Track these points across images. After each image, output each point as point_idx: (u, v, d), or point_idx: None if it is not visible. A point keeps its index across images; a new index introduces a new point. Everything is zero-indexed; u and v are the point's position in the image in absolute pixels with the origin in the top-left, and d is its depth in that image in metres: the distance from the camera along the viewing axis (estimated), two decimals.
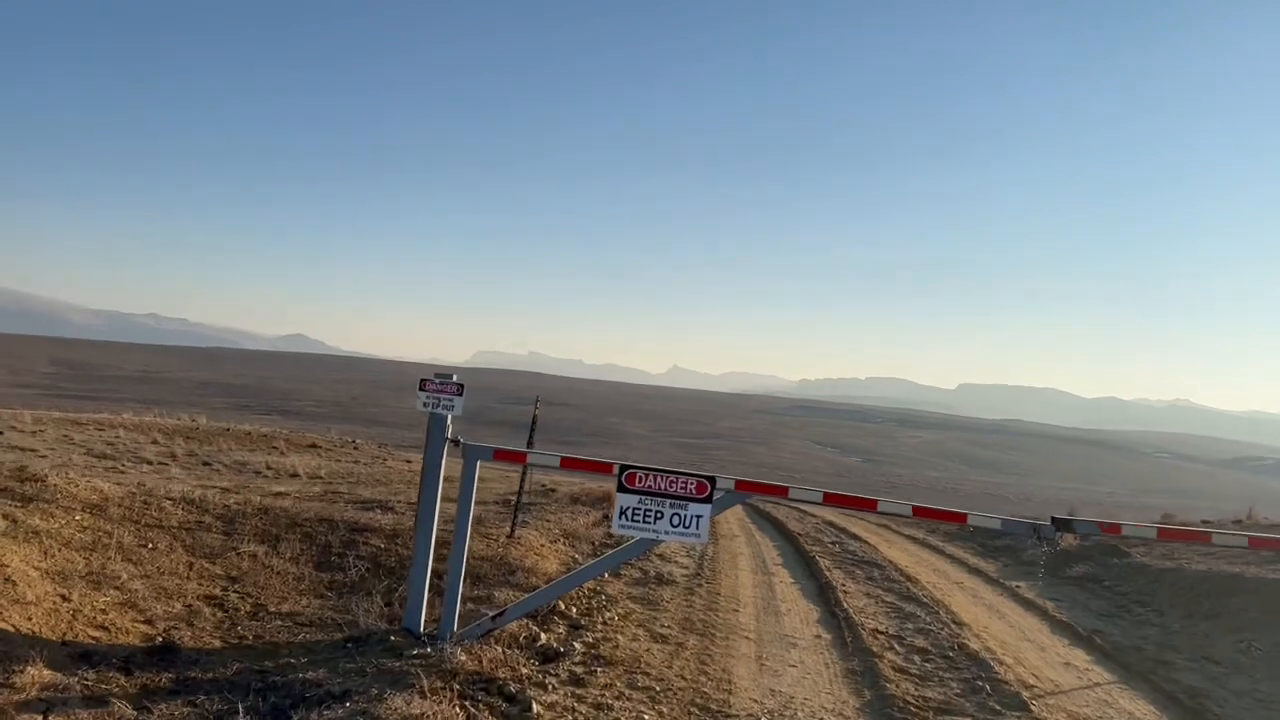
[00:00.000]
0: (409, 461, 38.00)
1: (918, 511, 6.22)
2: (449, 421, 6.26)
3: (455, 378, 6.27)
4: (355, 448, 42.62)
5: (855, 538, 15.68)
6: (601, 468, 6.31)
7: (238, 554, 7.33)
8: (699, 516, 6.18)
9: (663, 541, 6.27)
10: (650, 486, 6.17)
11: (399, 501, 16.04)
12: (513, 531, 9.62)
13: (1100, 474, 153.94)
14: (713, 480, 6.12)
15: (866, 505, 6.23)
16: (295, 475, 25.82)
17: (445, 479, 6.31)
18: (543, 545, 9.70)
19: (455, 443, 6.24)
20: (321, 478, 26.04)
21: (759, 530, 16.57)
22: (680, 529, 6.16)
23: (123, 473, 19.98)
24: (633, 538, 6.24)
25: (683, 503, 6.16)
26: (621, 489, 6.20)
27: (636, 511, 6.17)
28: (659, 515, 6.18)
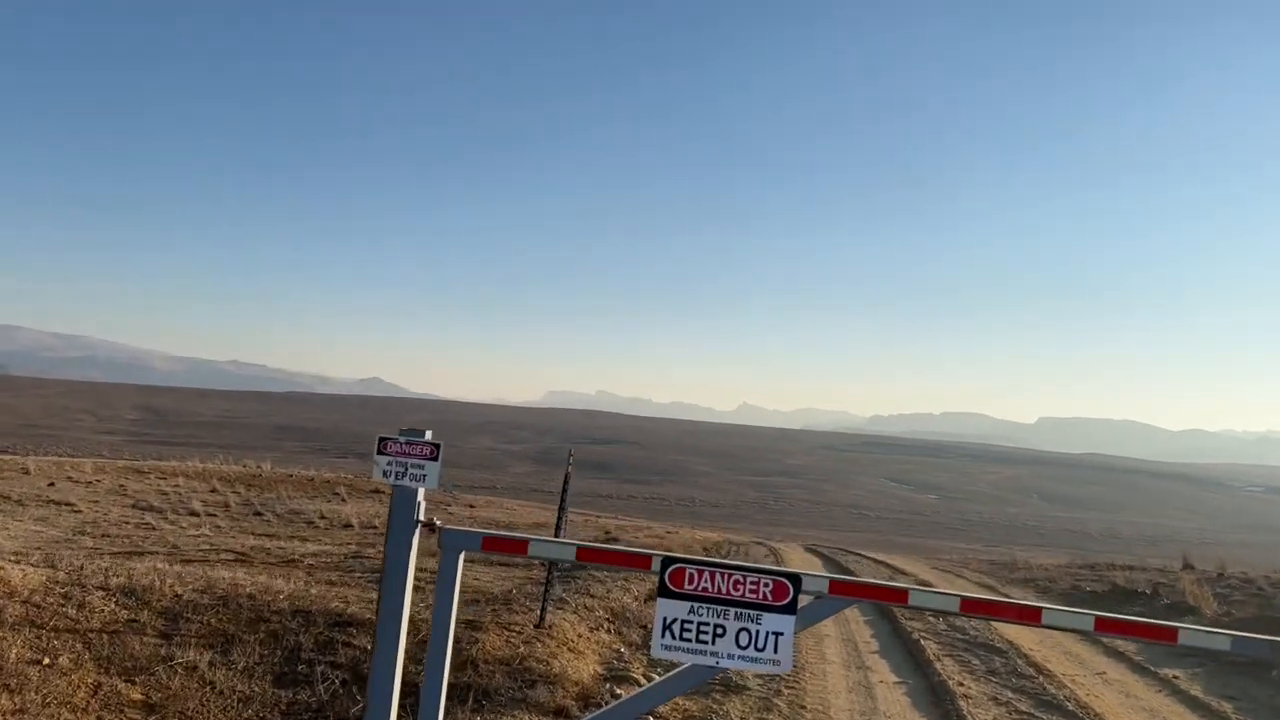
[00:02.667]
0: (471, 507, 36.60)
1: (1102, 626, 4.22)
2: (420, 498, 4.46)
3: (430, 435, 4.48)
4: None
5: None
6: (634, 561, 4.43)
7: (171, 666, 5.59)
8: (778, 634, 4.27)
9: (725, 669, 4.38)
10: (707, 589, 4.30)
11: (431, 570, 14.36)
12: (542, 618, 7.76)
13: (1187, 509, 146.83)
14: (796, 581, 4.23)
15: (1027, 617, 4.25)
16: (349, 525, 24.43)
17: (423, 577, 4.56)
18: (580, 636, 7.83)
19: (430, 527, 4.44)
20: (375, 527, 24.62)
21: None
22: (751, 651, 4.25)
23: (153, 529, 18.74)
24: (682, 664, 4.36)
25: (754, 613, 4.27)
26: (665, 592, 4.32)
27: (687, 626, 4.28)
28: (720, 631, 4.29)
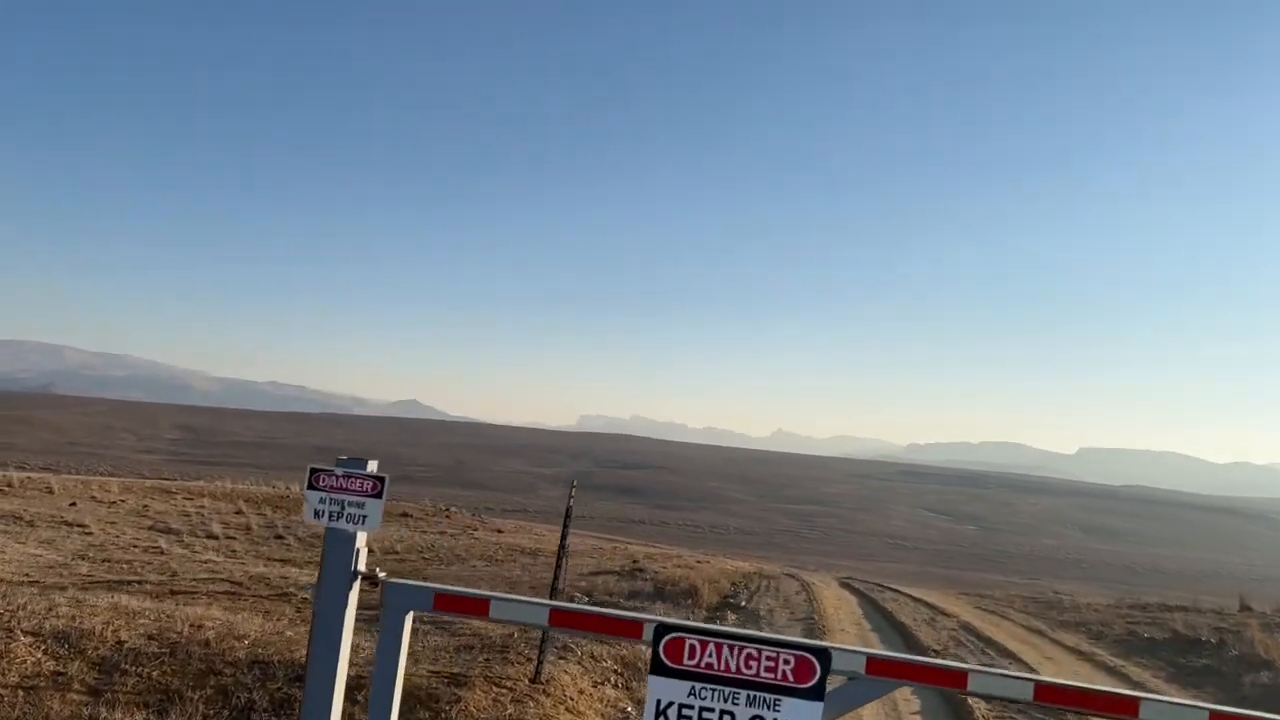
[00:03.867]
0: (499, 532, 35.76)
1: None
2: (360, 544, 3.63)
3: (373, 466, 3.66)
4: (447, 515, 40.64)
5: (1007, 653, 12.39)
6: (620, 628, 3.56)
7: None
8: None
9: None
10: (712, 666, 3.42)
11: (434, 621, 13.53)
12: (539, 671, 6.87)
13: (1233, 543, 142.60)
14: (825, 657, 3.35)
15: (1120, 709, 3.31)
16: (370, 552, 23.85)
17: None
18: (581, 693, 6.93)
19: (371, 580, 3.61)
20: (396, 553, 23.95)
21: (880, 640, 13.42)
22: None
23: (160, 554, 18.12)
24: None
25: (772, 697, 3.39)
26: (660, 668, 3.44)
27: (687, 713, 3.40)
28: (728, 719, 3.41)
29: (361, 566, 3.62)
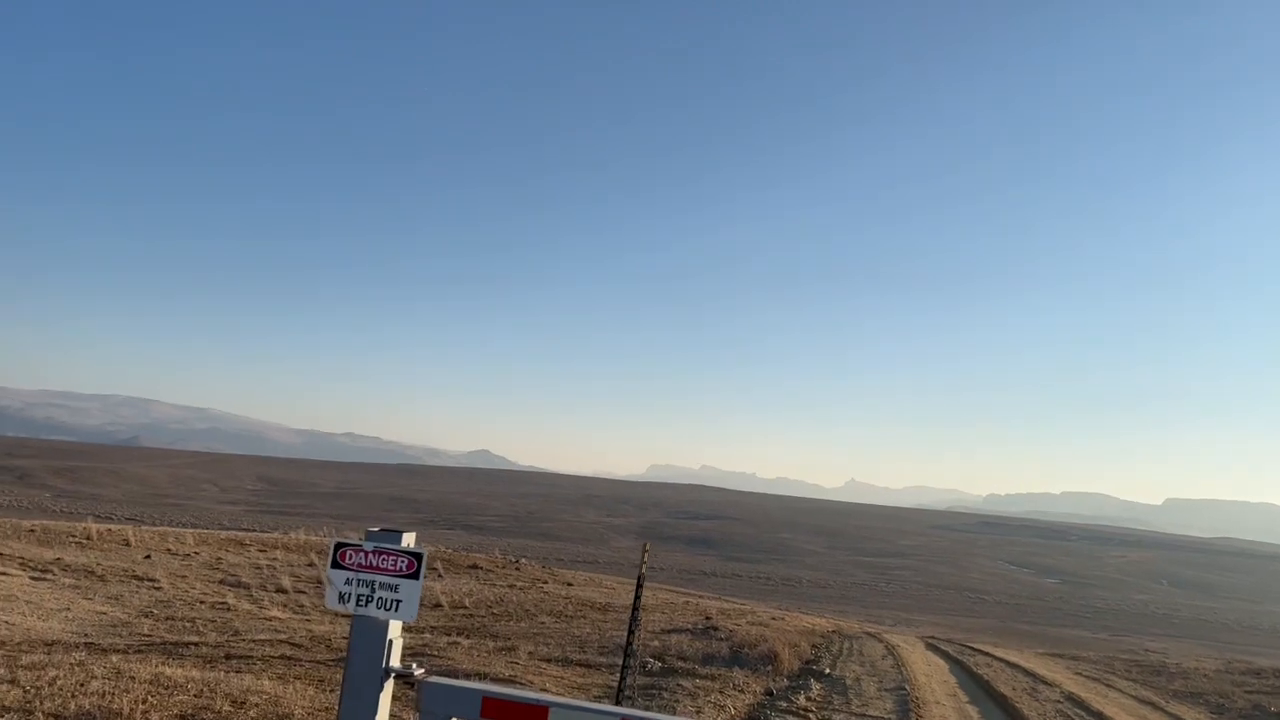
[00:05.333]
0: (569, 585, 35.12)
1: None
2: (393, 634, 3.03)
3: (409, 540, 3.07)
4: (517, 568, 40.17)
5: None
6: None
7: None
8: None
9: None
10: None
11: (524, 657, 12.89)
12: None
13: None
14: None
15: None
16: (437, 605, 23.31)
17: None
18: None
19: (406, 679, 2.99)
20: (465, 608, 23.44)
21: (981, 714, 12.33)
22: None
23: (227, 610, 17.86)
24: None
25: None
26: None
27: None
28: None
29: (395, 662, 3.01)
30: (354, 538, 3.28)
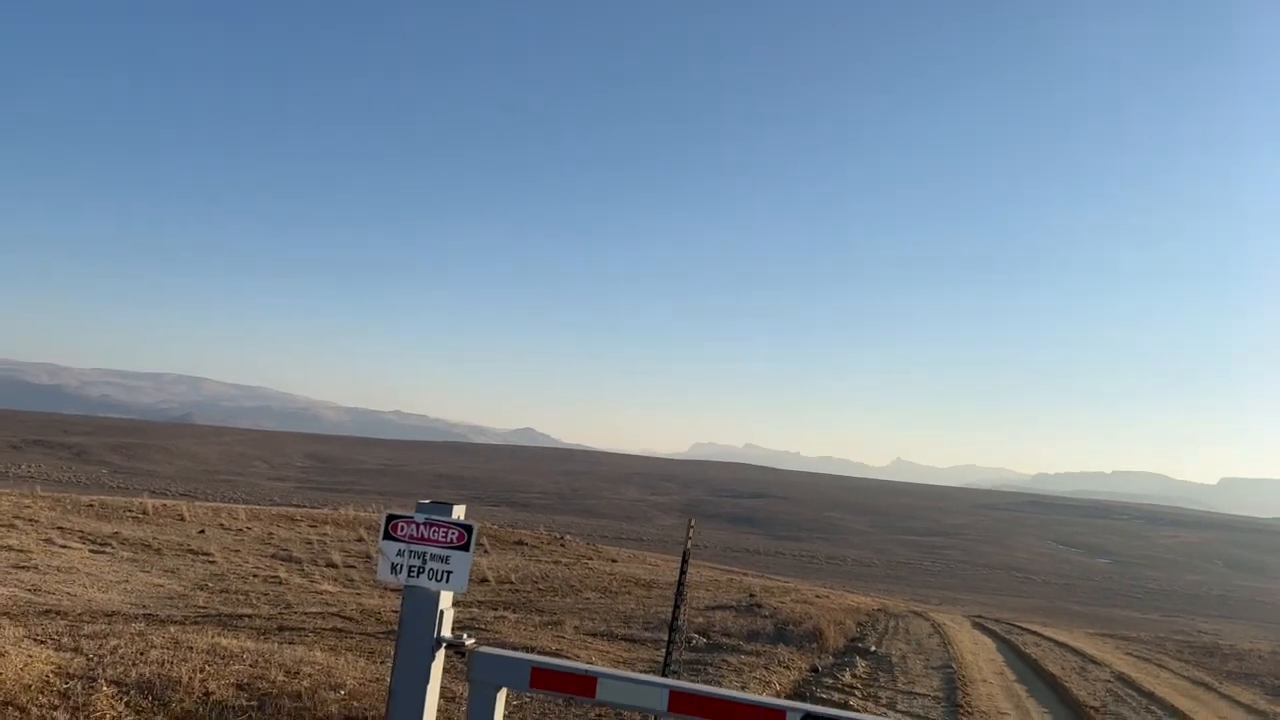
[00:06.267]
0: (613, 561, 35.31)
1: None
2: (445, 605, 3.06)
3: (459, 513, 3.09)
4: (561, 544, 40.48)
5: (1176, 712, 11.05)
6: (753, 715, 2.88)
7: None
8: None
9: None
10: None
11: (570, 631, 12.98)
12: None
13: None
14: None
15: None
16: (484, 580, 23.60)
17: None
18: None
19: (457, 649, 3.02)
20: (511, 583, 23.70)
21: (1028, 692, 12.20)
22: None
23: (279, 583, 18.21)
24: None
25: None
26: None
27: None
28: None
29: (446, 632, 3.04)
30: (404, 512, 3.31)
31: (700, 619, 16.18)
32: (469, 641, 3.02)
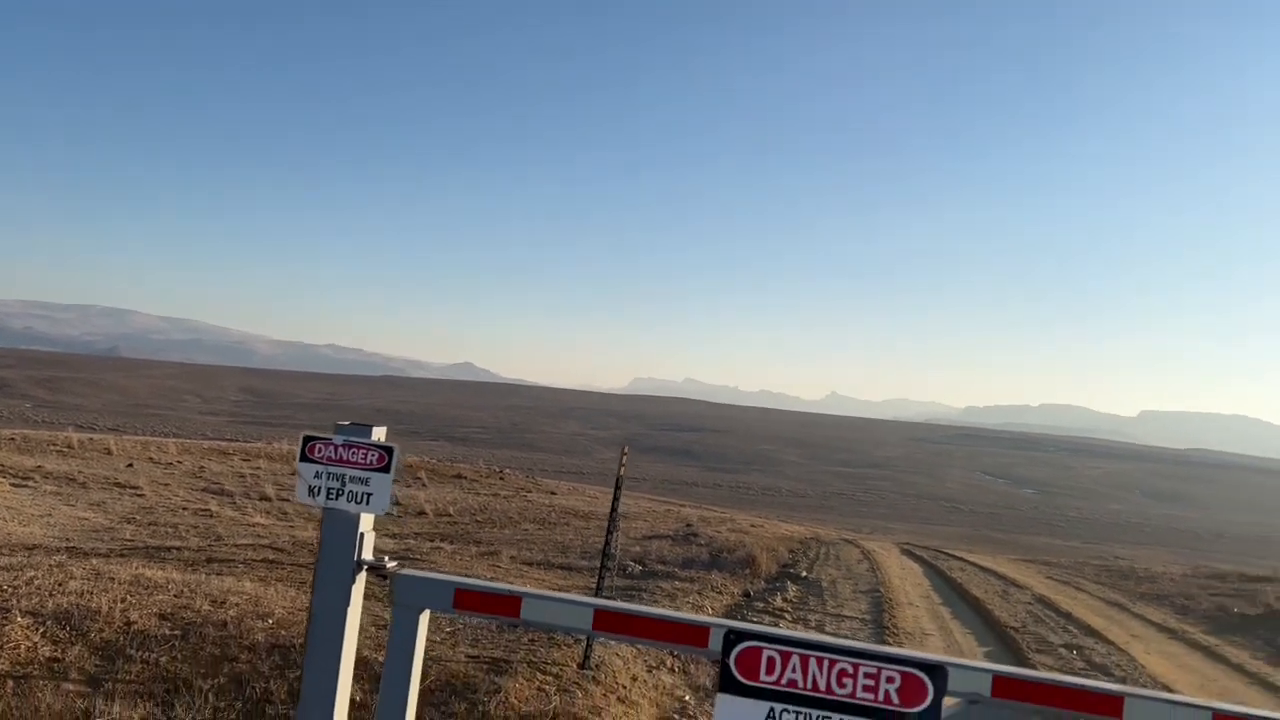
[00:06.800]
0: (552, 494, 35.43)
1: None
2: (365, 528, 2.99)
3: (380, 434, 3.01)
4: (501, 478, 40.47)
5: (1091, 631, 11.54)
6: (682, 634, 2.89)
7: None
8: None
9: None
10: (796, 683, 2.75)
11: (507, 561, 13.08)
12: (587, 656, 6.26)
13: None
14: (939, 676, 2.67)
15: None
16: (421, 513, 23.50)
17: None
18: (634, 679, 6.31)
19: (378, 572, 2.97)
20: (449, 515, 23.58)
21: (952, 614, 12.63)
22: None
23: (209, 516, 17.93)
24: None
25: None
26: (731, 685, 2.78)
27: None
28: None
29: (367, 555, 2.98)
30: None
31: (637, 548, 16.37)
32: (391, 564, 2.96)
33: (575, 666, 6.09)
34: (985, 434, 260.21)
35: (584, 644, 6.33)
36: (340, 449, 2.96)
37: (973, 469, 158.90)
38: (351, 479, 2.93)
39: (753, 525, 28.52)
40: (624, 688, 6.03)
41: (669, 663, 7.07)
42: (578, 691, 5.62)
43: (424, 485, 30.74)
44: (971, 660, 2.83)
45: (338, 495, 2.93)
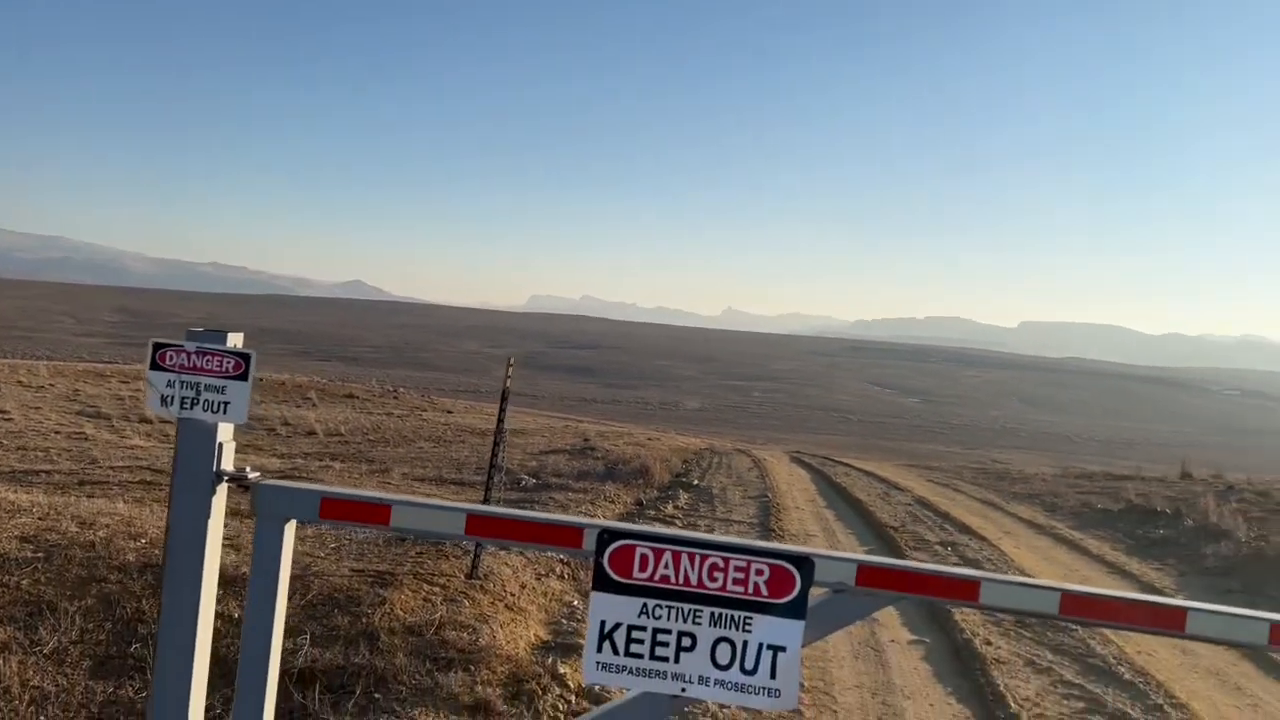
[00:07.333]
0: (449, 412, 35.12)
1: None
2: (224, 438, 2.87)
3: (236, 340, 2.87)
4: (395, 397, 39.90)
5: (966, 529, 12.14)
6: (555, 535, 2.87)
7: None
8: (777, 649, 2.78)
9: (694, 699, 2.88)
10: (668, 578, 2.78)
11: (398, 478, 12.98)
12: (475, 566, 6.27)
13: (1167, 413, 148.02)
14: (805, 566, 2.72)
15: (1163, 622, 2.74)
16: (311, 433, 23.00)
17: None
18: (523, 587, 6.36)
19: (240, 483, 2.86)
20: (340, 435, 23.15)
21: (836, 516, 13.12)
22: (734, 674, 2.75)
23: (84, 440, 17.21)
24: (627, 692, 2.87)
25: (741, 615, 2.76)
26: (604, 583, 2.79)
27: (638, 635, 2.77)
28: (688, 642, 2.78)
29: (227, 465, 2.86)
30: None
31: (533, 462, 16.44)
32: (253, 475, 2.85)
33: (463, 577, 6.09)
34: (874, 346, 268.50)
35: (472, 555, 6.33)
36: (193, 356, 2.80)
37: (862, 380, 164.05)
38: (207, 387, 2.78)
39: (649, 439, 28.92)
40: (512, 595, 6.07)
41: (559, 570, 7.15)
42: (465, 601, 5.63)
43: (314, 405, 30.05)
44: (836, 551, 2.91)
45: (193, 404, 2.78)
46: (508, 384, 6.47)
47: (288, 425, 22.91)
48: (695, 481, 15.42)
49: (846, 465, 24.06)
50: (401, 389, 51.04)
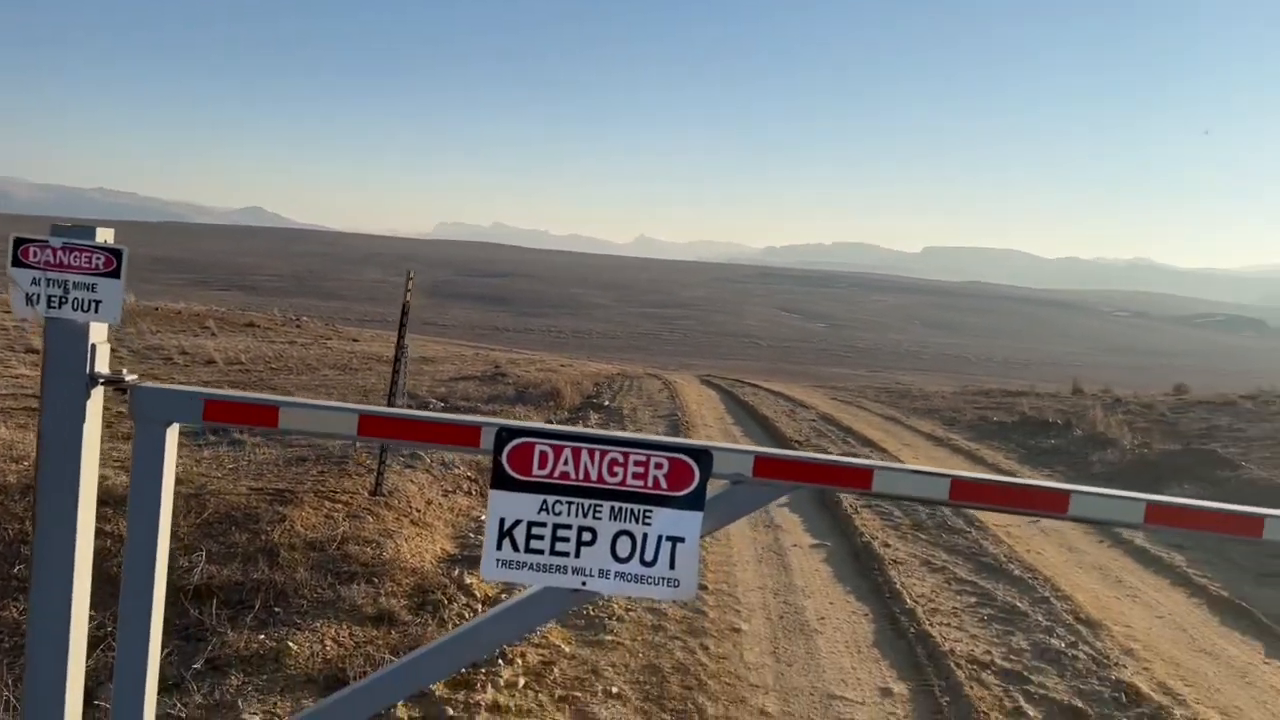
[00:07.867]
0: (355, 341, 34.37)
1: (1158, 517, 2.87)
2: (97, 339, 2.72)
3: (106, 236, 2.71)
4: (298, 326, 38.83)
5: (868, 442, 12.49)
6: (453, 435, 2.82)
7: None
8: (676, 540, 2.79)
9: (595, 595, 2.90)
10: (568, 475, 2.76)
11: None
12: (379, 483, 6.18)
13: (1060, 334, 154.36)
14: (704, 459, 2.73)
15: (1048, 504, 2.84)
16: (210, 362, 22.28)
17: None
18: (428, 503, 6.31)
19: (117, 385, 2.72)
20: (241, 363, 22.49)
21: (744, 432, 13.35)
22: (634, 567, 2.76)
23: None
24: (527, 588, 2.86)
25: (641, 508, 2.76)
26: (503, 480, 2.76)
27: (538, 532, 2.76)
28: (587, 537, 2.78)
29: (102, 368, 2.71)
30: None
31: (443, 389, 16.28)
32: (130, 377, 2.71)
33: (367, 494, 6.01)
34: (782, 273, 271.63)
35: (376, 472, 6.24)
36: (60, 252, 2.63)
37: (770, 306, 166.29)
38: (76, 285, 2.61)
39: (562, 365, 28.88)
40: (418, 511, 6.02)
41: (465, 486, 7.12)
42: (368, 517, 5.56)
43: (213, 334, 29.06)
44: (734, 445, 2.92)
45: (60, 303, 2.62)
46: (408, 298, 6.33)
47: (185, 355, 22.16)
48: (606, 403, 15.48)
49: (754, 386, 24.48)
50: (305, 318, 49.77)
